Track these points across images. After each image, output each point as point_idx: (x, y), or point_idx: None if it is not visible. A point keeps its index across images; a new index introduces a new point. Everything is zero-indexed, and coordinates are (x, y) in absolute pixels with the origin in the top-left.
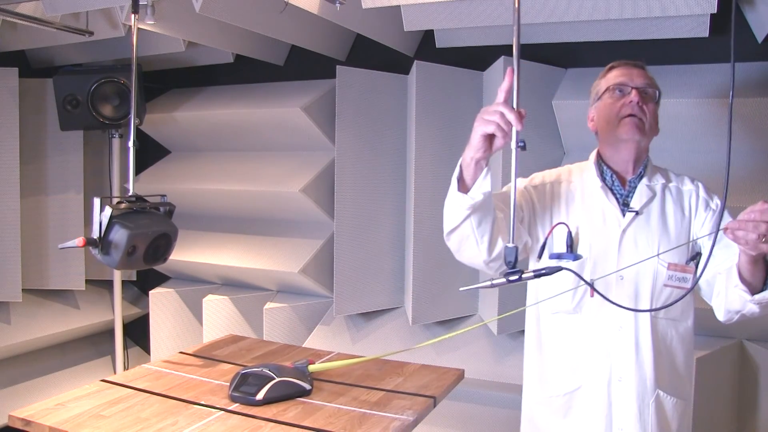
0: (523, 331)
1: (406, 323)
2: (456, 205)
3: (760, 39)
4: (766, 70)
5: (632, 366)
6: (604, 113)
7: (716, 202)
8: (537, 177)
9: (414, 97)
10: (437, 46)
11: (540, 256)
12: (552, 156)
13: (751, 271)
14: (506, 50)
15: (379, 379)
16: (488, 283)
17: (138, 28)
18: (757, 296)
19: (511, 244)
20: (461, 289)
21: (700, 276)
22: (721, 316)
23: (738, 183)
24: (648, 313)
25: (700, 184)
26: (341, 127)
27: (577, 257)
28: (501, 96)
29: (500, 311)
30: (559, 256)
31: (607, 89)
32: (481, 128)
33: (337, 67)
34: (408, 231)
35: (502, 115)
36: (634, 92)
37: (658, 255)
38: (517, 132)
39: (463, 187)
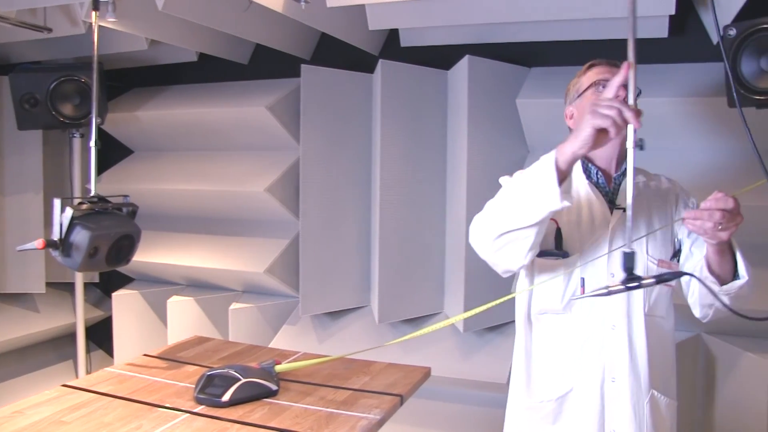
0: (489, 329)
1: (372, 322)
2: (538, 206)
3: (715, 40)
4: (721, 70)
5: (626, 366)
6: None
7: (693, 200)
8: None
9: (379, 96)
10: (402, 45)
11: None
12: (516, 154)
13: (718, 262)
14: (470, 49)
15: (346, 379)
16: (605, 290)
17: (99, 26)
18: (724, 287)
19: (629, 250)
20: (573, 298)
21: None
22: (697, 312)
23: (694, 179)
24: (642, 312)
25: (675, 181)
26: (306, 126)
27: (565, 255)
28: (612, 91)
29: (466, 309)
30: (548, 254)
31: (590, 86)
32: (595, 122)
33: (302, 66)
34: (374, 230)
35: (620, 111)
36: (611, 90)
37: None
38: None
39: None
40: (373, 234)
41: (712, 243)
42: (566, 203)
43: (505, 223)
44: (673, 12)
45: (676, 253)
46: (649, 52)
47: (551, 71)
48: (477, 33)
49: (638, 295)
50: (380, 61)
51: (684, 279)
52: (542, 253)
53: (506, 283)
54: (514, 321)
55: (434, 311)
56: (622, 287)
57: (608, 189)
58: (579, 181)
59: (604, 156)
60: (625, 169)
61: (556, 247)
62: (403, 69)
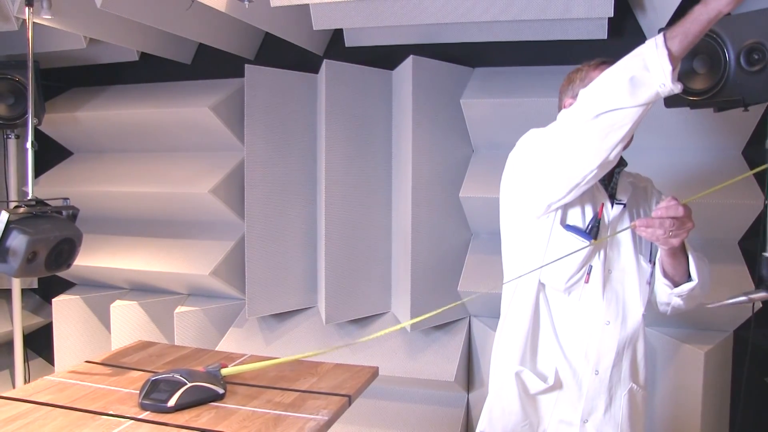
0: (436, 327)
1: (319, 323)
2: (647, 85)
3: None
4: None
5: (611, 362)
6: None
7: (662, 198)
8: None
9: (324, 96)
10: (346, 45)
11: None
12: (460, 154)
13: (672, 264)
14: (415, 49)
15: (294, 380)
16: (744, 297)
17: (33, 23)
18: (675, 290)
19: None
20: (709, 305)
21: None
22: (657, 308)
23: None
24: (639, 312)
25: (650, 179)
26: (250, 126)
27: (590, 239)
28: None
29: (412, 308)
30: (577, 231)
31: None
32: None
33: (246, 66)
34: (320, 230)
35: None
36: None
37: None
38: None
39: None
40: (319, 235)
41: (663, 248)
42: (679, 85)
43: (606, 103)
44: (611, 14)
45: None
46: (589, 53)
47: (495, 71)
48: (421, 33)
49: (635, 294)
50: (325, 61)
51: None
52: (570, 228)
53: (453, 282)
54: (460, 319)
55: (381, 311)
56: (764, 293)
57: (607, 183)
58: None
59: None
60: (624, 164)
61: (589, 230)
62: (348, 69)
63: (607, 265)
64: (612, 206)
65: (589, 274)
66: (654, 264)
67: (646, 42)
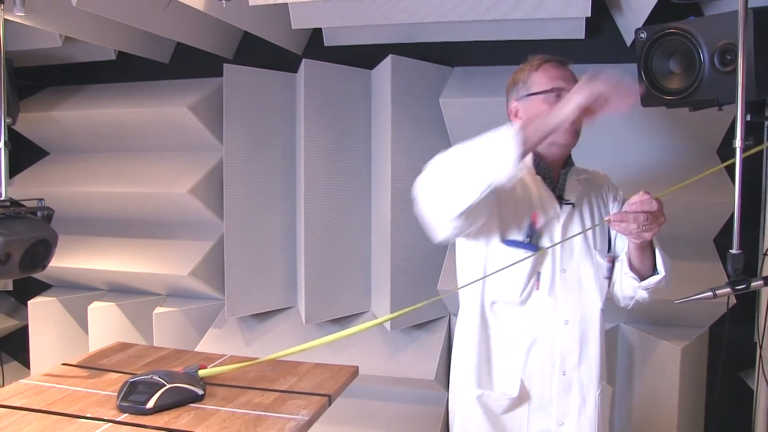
0: (416, 326)
1: (299, 323)
2: (488, 171)
3: (628, 42)
4: (634, 71)
5: (576, 360)
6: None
7: (621, 194)
8: None
9: (303, 95)
10: (325, 45)
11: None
12: (439, 153)
13: (640, 257)
14: (394, 49)
15: (274, 381)
16: (710, 293)
17: (6, 20)
18: (643, 282)
19: (736, 251)
20: (677, 301)
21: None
22: (619, 302)
23: (613, 176)
24: (597, 308)
25: (607, 175)
26: (229, 126)
27: (534, 248)
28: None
29: (392, 307)
30: (517, 244)
31: (543, 91)
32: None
33: (225, 65)
34: (299, 230)
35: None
36: (554, 98)
37: (567, 242)
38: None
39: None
40: (299, 234)
41: (635, 242)
42: (516, 174)
43: (455, 173)
44: (589, 14)
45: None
46: (567, 52)
47: (473, 71)
48: (400, 33)
49: (593, 290)
50: (304, 60)
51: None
52: (511, 243)
53: (432, 281)
54: (440, 318)
55: (361, 310)
56: (728, 290)
57: (555, 184)
58: (528, 175)
59: (550, 156)
60: (570, 164)
61: (529, 240)
62: (327, 68)
63: (561, 265)
64: (561, 207)
65: (538, 280)
66: (613, 259)
67: (502, 129)
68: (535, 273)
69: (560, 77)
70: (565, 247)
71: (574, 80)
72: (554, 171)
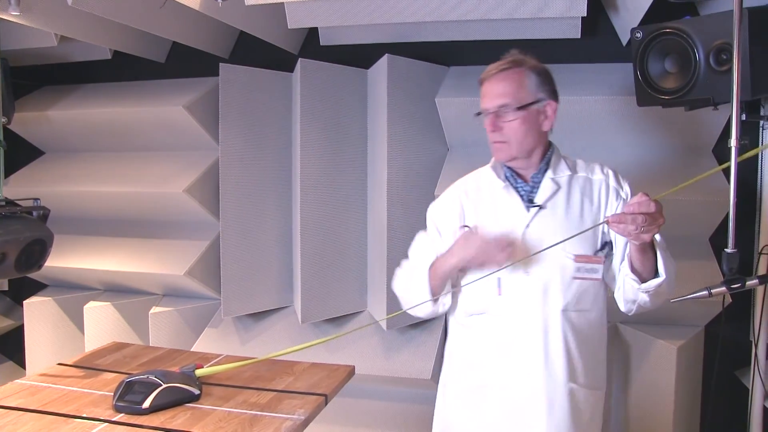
0: (412, 326)
1: (295, 322)
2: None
3: (624, 42)
4: (630, 70)
5: (540, 362)
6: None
7: (626, 191)
8: (440, 203)
9: (299, 95)
10: (321, 44)
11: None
12: (436, 153)
13: (640, 260)
14: (390, 48)
15: (270, 380)
16: (705, 292)
17: (1, 19)
18: (644, 285)
19: (731, 250)
20: (672, 300)
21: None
22: (622, 306)
23: None
24: (558, 309)
25: (610, 172)
26: (225, 125)
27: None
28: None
29: (388, 307)
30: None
31: (477, 113)
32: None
33: (221, 64)
34: (295, 229)
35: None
36: (487, 120)
37: (543, 250)
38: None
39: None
40: (295, 234)
41: (634, 243)
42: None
43: (403, 293)
44: (584, 14)
45: (603, 247)
46: (563, 51)
47: (469, 70)
48: (396, 32)
49: (555, 291)
50: (300, 60)
51: (610, 274)
52: None
53: None
54: (435, 318)
55: (357, 310)
56: (723, 288)
57: (527, 188)
58: (493, 185)
59: (515, 164)
60: (545, 166)
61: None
62: (323, 68)
63: (524, 268)
64: (528, 210)
65: (499, 286)
66: (611, 260)
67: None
68: (495, 279)
69: (483, 95)
70: (530, 250)
71: (498, 91)
72: (522, 174)
